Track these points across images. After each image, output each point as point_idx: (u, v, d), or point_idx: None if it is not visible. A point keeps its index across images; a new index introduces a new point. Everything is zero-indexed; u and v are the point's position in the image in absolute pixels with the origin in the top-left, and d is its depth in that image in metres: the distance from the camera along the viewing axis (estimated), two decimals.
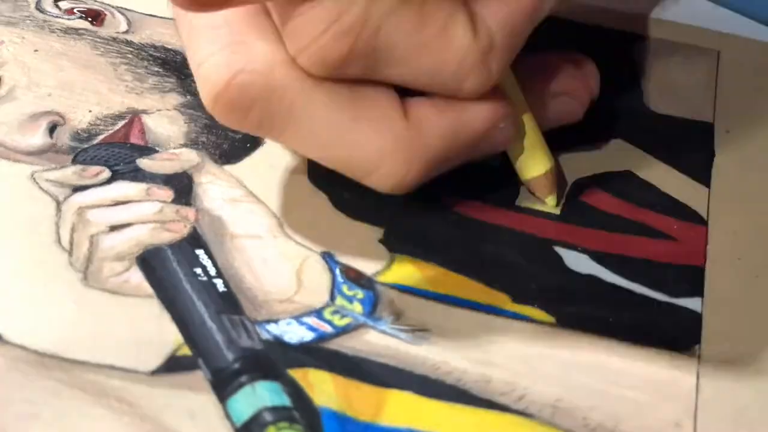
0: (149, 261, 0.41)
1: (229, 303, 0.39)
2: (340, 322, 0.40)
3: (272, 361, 0.38)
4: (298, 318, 0.40)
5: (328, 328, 0.39)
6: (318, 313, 0.40)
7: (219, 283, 0.40)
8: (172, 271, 0.40)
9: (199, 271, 0.40)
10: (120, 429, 0.36)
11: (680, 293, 0.43)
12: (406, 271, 0.42)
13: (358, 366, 0.38)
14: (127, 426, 0.36)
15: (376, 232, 0.44)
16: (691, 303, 0.42)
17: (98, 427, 0.36)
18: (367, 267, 0.42)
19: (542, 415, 0.38)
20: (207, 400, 0.37)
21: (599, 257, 0.44)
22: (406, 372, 0.38)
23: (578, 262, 0.44)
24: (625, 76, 0.53)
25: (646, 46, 0.55)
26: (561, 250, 0.44)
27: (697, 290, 0.43)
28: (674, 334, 0.41)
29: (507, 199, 0.46)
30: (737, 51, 0.55)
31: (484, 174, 0.47)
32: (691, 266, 0.44)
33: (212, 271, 0.40)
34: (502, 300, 0.42)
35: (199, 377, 0.37)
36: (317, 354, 0.38)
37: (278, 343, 0.39)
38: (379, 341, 0.39)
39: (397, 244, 0.43)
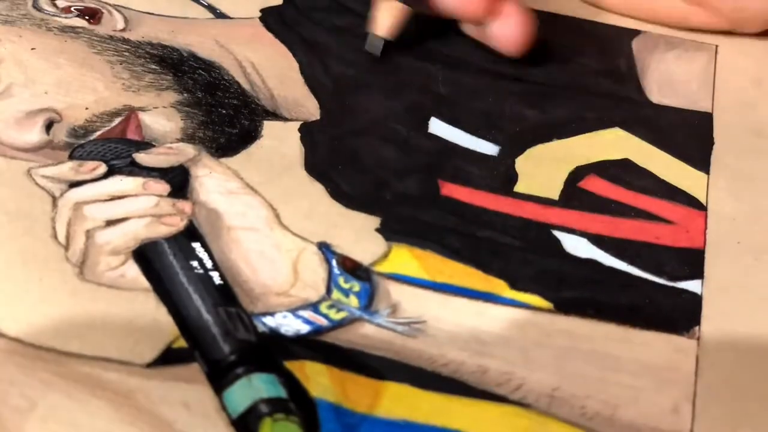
0: (145, 254, 0.41)
1: (225, 295, 0.39)
2: (336, 316, 0.40)
3: (268, 353, 0.38)
4: (294, 311, 0.40)
5: (324, 322, 0.39)
6: (314, 306, 0.40)
7: (215, 276, 0.40)
8: (168, 265, 0.40)
9: (195, 264, 0.40)
10: (116, 421, 0.36)
11: (680, 276, 0.43)
12: (403, 260, 0.42)
13: (355, 358, 0.38)
14: (123, 418, 0.36)
15: (373, 221, 0.44)
16: (691, 286, 0.42)
17: (95, 419, 0.36)
18: (364, 256, 0.42)
19: (539, 405, 0.38)
20: (203, 391, 0.37)
21: (598, 241, 0.44)
22: (402, 364, 0.38)
23: (577, 245, 0.44)
24: (625, 69, 0.53)
25: (646, 41, 0.55)
26: (560, 234, 0.44)
27: (697, 273, 0.43)
28: (674, 317, 0.41)
29: (504, 185, 0.46)
30: (735, 45, 0.55)
31: (481, 160, 0.47)
32: (690, 249, 0.44)
33: (208, 264, 0.40)
34: (500, 287, 0.42)
35: (195, 369, 0.37)
36: (313, 346, 0.38)
37: (274, 335, 0.39)
38: (375, 334, 0.39)
39: (394, 233, 0.43)
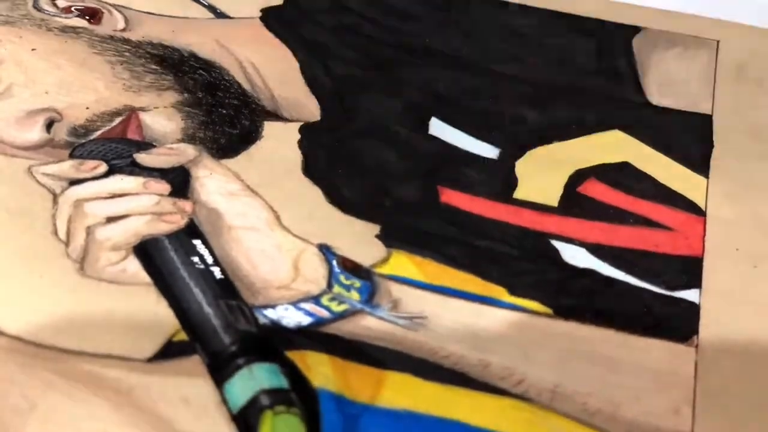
0: (146, 250, 0.41)
1: (226, 289, 0.39)
2: (338, 308, 0.39)
3: (270, 343, 0.38)
4: (295, 304, 0.39)
5: (325, 314, 0.39)
6: (315, 299, 0.40)
7: (216, 271, 0.40)
8: (169, 260, 0.40)
9: (196, 259, 0.40)
10: (117, 418, 0.35)
11: (678, 285, 0.42)
12: (403, 266, 0.42)
13: (356, 348, 0.38)
14: (123, 415, 0.36)
15: (373, 228, 0.44)
16: (689, 294, 0.42)
17: (94, 420, 0.35)
18: (364, 260, 0.42)
19: (541, 400, 0.38)
20: (203, 385, 0.36)
21: (597, 250, 0.44)
22: (404, 355, 0.38)
23: (575, 255, 0.44)
24: (624, 67, 0.53)
25: (646, 37, 0.55)
26: (558, 244, 0.44)
27: (695, 281, 0.43)
28: (672, 325, 0.41)
29: (504, 190, 0.46)
30: (736, 40, 0.55)
31: (480, 163, 0.47)
32: (689, 257, 0.44)
33: (209, 260, 0.40)
34: (499, 292, 0.41)
35: (196, 362, 0.37)
36: (315, 337, 0.38)
37: (276, 327, 0.38)
38: (377, 326, 0.39)
39: (394, 240, 0.43)
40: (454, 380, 0.37)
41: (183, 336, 0.38)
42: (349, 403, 0.36)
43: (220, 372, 0.36)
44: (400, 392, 0.37)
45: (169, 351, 0.38)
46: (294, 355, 0.37)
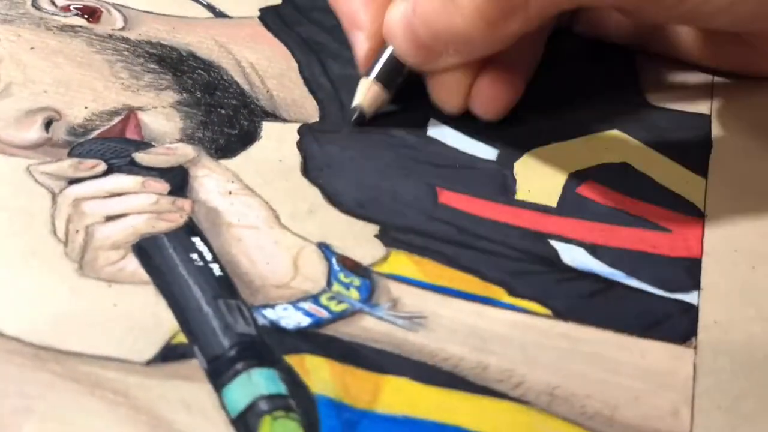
0: (145, 248, 0.41)
1: (225, 287, 0.39)
2: (337, 307, 0.39)
3: (268, 347, 0.38)
4: (294, 303, 0.39)
5: (324, 314, 0.39)
6: (315, 298, 0.40)
7: (215, 268, 0.40)
8: (168, 257, 0.40)
9: (195, 256, 0.40)
10: (115, 421, 0.35)
11: (677, 287, 0.42)
12: (402, 265, 0.42)
13: (355, 352, 0.38)
14: (122, 418, 0.35)
15: (372, 228, 0.44)
16: (688, 296, 0.42)
17: (93, 419, 0.35)
18: (363, 260, 0.42)
19: (539, 403, 0.37)
20: (202, 390, 0.36)
21: (595, 251, 0.44)
22: (402, 358, 0.38)
23: (574, 256, 0.44)
24: (622, 69, 0.53)
25: None
26: (556, 244, 0.44)
27: (694, 282, 0.43)
28: (671, 327, 0.41)
29: (503, 192, 0.46)
30: None
31: (479, 165, 0.47)
32: (687, 258, 0.44)
33: (208, 257, 0.40)
34: (499, 293, 0.41)
35: (195, 366, 0.37)
36: (314, 340, 0.38)
37: (275, 328, 0.38)
38: (375, 327, 0.39)
39: (393, 239, 0.43)
40: (453, 384, 0.37)
41: (181, 339, 0.38)
42: (347, 408, 0.36)
43: (218, 377, 0.36)
44: (399, 397, 0.37)
45: (167, 354, 0.37)
46: (292, 359, 0.37)
